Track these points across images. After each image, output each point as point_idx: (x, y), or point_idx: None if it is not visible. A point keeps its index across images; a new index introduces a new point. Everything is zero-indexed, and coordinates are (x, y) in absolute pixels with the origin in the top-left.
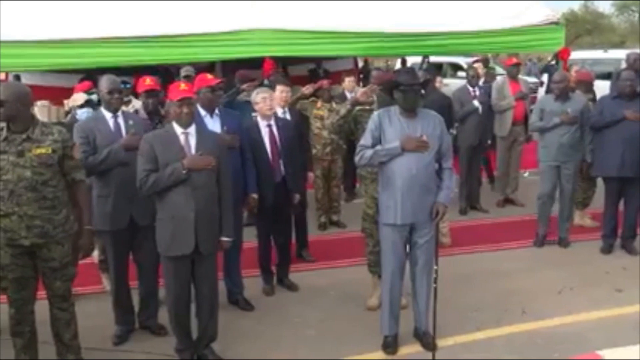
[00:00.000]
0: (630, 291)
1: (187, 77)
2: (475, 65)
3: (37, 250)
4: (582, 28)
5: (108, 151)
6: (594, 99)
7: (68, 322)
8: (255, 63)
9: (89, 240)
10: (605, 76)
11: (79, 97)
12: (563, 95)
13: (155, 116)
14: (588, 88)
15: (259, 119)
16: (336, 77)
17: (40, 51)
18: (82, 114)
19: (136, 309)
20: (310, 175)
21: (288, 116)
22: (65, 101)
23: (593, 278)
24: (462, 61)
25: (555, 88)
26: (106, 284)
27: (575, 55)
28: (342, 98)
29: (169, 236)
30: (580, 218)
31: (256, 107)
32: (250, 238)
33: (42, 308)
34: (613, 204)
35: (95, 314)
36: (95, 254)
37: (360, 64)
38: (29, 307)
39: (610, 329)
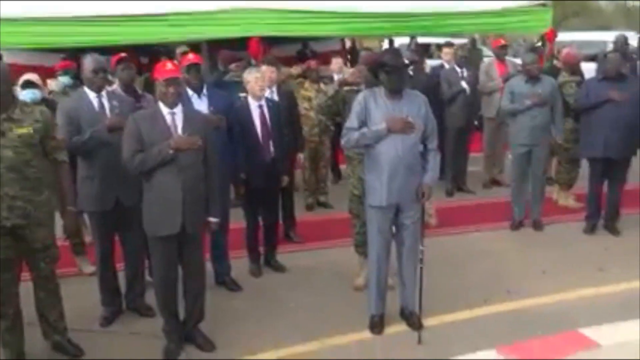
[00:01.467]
0: (612, 270)
1: (183, 53)
2: (445, 49)
3: (19, 232)
4: (569, 10)
5: (91, 132)
6: (581, 81)
7: (53, 303)
8: (240, 43)
9: (72, 221)
10: (592, 58)
11: (24, 77)
12: (533, 77)
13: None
14: (575, 70)
15: (249, 99)
16: (324, 58)
17: (22, 29)
18: (26, 94)
19: (123, 290)
20: (300, 156)
21: (275, 97)
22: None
23: (576, 258)
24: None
25: (530, 70)
26: (82, 266)
27: (562, 37)
28: (330, 79)
29: (156, 216)
30: (564, 199)
31: (247, 87)
32: (237, 219)
33: (28, 289)
34: (597, 185)
35: (80, 296)
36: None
37: (348, 44)
38: (12, 288)
39: (593, 307)
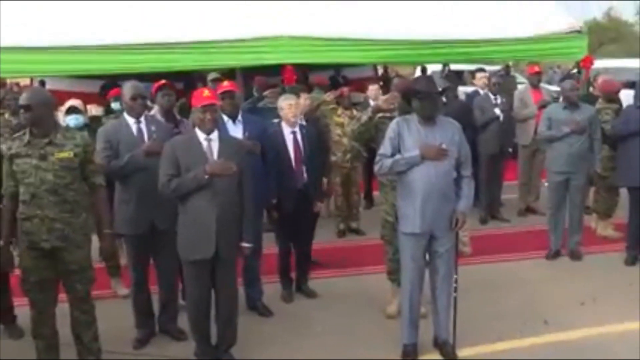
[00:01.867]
0: None
1: (214, 80)
2: (479, 75)
3: (57, 253)
4: (605, 37)
5: (129, 156)
6: (619, 109)
7: (88, 324)
8: (274, 70)
9: (109, 244)
10: (630, 85)
11: (67, 104)
12: (572, 104)
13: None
14: (612, 97)
15: (283, 125)
16: (356, 84)
17: (64, 57)
18: (70, 120)
19: (156, 313)
20: (324, 181)
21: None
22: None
23: (616, 289)
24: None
25: (569, 96)
26: (116, 288)
27: (598, 64)
28: (366, 106)
29: (190, 241)
30: (603, 229)
31: (281, 113)
32: (269, 244)
33: (64, 310)
34: (637, 215)
35: (115, 317)
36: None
37: (380, 71)
38: (50, 309)
39: (635, 342)
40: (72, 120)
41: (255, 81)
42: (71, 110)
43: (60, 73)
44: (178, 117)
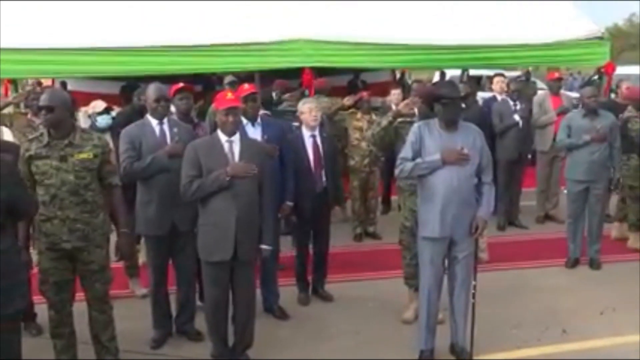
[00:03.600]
0: None
1: (231, 84)
2: (496, 79)
3: (77, 254)
4: (626, 43)
5: (152, 158)
6: None
7: (106, 324)
8: (293, 73)
9: (127, 244)
10: None
11: (99, 104)
12: (592, 111)
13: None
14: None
15: (303, 128)
16: (374, 89)
17: (85, 58)
18: (102, 120)
19: (174, 313)
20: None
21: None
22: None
23: (636, 299)
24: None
25: (588, 103)
26: (134, 288)
27: (619, 70)
28: (385, 110)
29: (210, 242)
30: (635, 240)
31: (301, 117)
32: (286, 247)
33: (81, 309)
34: None
35: (133, 317)
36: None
37: (398, 75)
38: (67, 309)
39: None
40: (104, 120)
41: (276, 84)
42: (104, 111)
43: (87, 74)
44: (195, 120)
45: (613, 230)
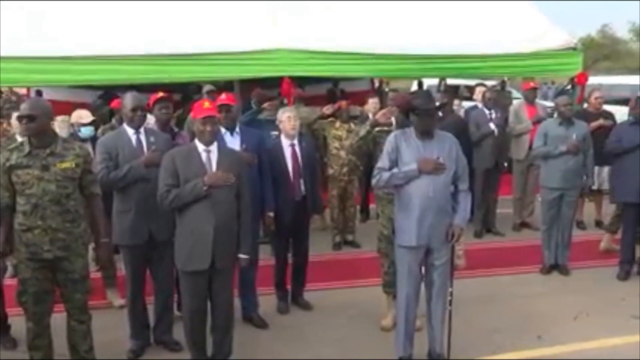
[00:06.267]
0: None
1: (210, 93)
2: (478, 89)
3: (58, 263)
4: (600, 53)
5: (129, 167)
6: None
7: (85, 334)
8: (271, 82)
9: (106, 253)
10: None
11: (85, 115)
12: (567, 119)
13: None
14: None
15: (282, 137)
16: (353, 98)
17: (63, 67)
18: (86, 131)
19: (152, 323)
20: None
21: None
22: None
23: (609, 304)
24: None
25: (563, 112)
26: (112, 299)
27: (592, 80)
28: (364, 119)
29: (187, 251)
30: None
31: (280, 126)
32: (265, 255)
33: (58, 322)
34: (631, 230)
35: (110, 328)
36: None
37: (376, 85)
38: (46, 320)
39: (626, 357)
40: (87, 131)
41: (254, 93)
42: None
43: (64, 83)
44: (175, 129)
45: (603, 241)
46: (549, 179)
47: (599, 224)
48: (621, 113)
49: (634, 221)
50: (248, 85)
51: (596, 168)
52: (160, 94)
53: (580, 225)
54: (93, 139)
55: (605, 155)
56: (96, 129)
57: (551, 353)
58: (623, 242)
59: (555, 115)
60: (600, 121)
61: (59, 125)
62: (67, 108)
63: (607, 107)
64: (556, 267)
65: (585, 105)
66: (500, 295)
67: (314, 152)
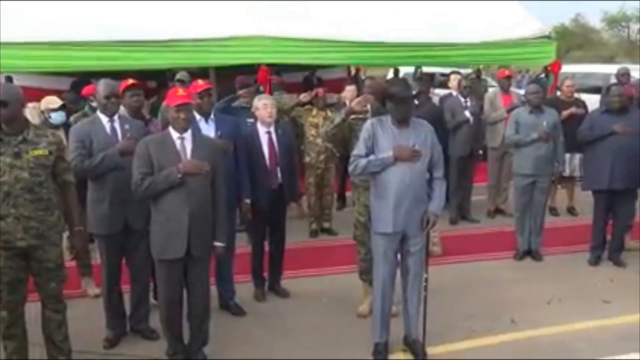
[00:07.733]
0: (617, 303)
1: (180, 81)
2: (453, 76)
3: (32, 252)
4: (573, 42)
5: (103, 155)
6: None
7: (60, 323)
8: (248, 69)
9: (80, 241)
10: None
11: (53, 100)
12: (536, 107)
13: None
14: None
15: (258, 125)
16: (330, 85)
17: (36, 52)
18: (57, 116)
19: (128, 312)
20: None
21: None
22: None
23: (581, 289)
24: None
25: (531, 99)
26: (87, 288)
27: (565, 69)
28: (341, 107)
29: (162, 239)
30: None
31: (257, 113)
32: (242, 243)
33: (32, 310)
34: (602, 217)
35: (86, 317)
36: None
37: (352, 72)
38: (20, 309)
39: (598, 340)
40: (58, 117)
41: (237, 80)
42: (59, 107)
43: (35, 69)
44: (148, 116)
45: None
46: (521, 166)
47: (571, 210)
48: (594, 101)
49: (605, 208)
50: (224, 72)
51: (568, 155)
52: (131, 81)
53: (553, 211)
54: (65, 126)
55: (577, 142)
56: (68, 116)
57: (525, 337)
58: (594, 228)
59: (526, 103)
60: (573, 109)
61: (30, 113)
62: (38, 95)
63: (582, 96)
64: (529, 253)
65: (558, 93)
66: (475, 281)
67: (293, 139)
